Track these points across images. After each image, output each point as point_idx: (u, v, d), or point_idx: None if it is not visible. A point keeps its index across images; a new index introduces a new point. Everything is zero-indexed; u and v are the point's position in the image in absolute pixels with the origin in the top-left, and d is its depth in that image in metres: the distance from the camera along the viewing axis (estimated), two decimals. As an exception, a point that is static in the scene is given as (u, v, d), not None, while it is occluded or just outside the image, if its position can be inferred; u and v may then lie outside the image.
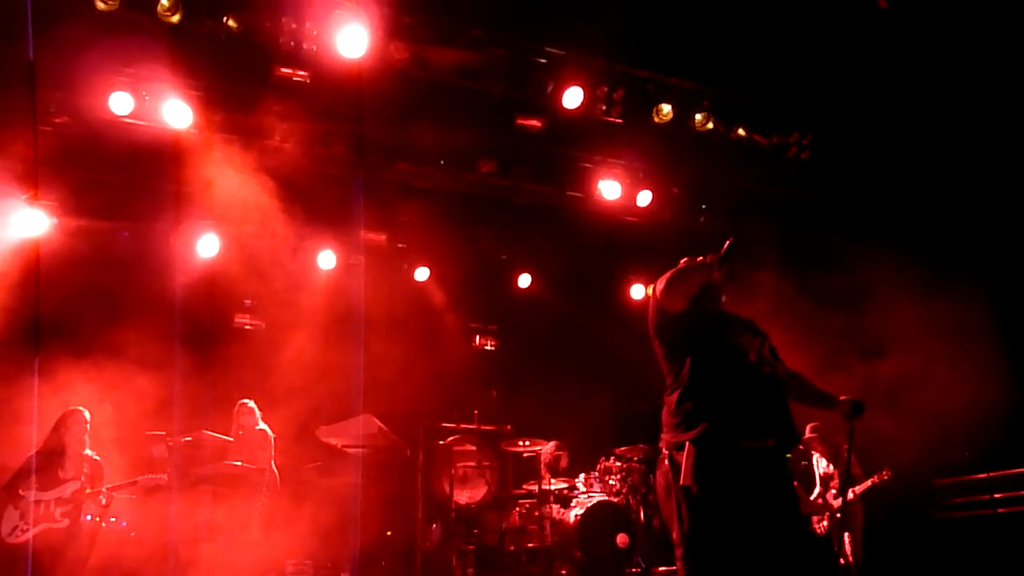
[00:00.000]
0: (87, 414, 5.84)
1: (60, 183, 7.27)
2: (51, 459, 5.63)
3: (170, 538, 6.25)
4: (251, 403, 7.14)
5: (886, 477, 6.92)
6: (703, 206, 8.65)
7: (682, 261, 3.88)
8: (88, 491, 5.60)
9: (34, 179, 6.62)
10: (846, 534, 7.13)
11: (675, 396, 3.58)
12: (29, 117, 6.19)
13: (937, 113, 7.07)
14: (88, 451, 5.80)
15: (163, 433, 6.70)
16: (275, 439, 7.16)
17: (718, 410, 3.46)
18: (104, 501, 5.67)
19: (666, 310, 3.63)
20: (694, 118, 7.23)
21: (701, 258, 3.62)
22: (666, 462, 3.55)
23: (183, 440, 6.79)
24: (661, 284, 3.66)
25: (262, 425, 7.12)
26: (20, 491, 5.41)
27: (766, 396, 3.54)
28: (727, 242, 3.50)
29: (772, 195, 8.20)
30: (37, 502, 5.43)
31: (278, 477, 7.07)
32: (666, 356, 3.69)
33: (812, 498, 7.46)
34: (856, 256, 7.88)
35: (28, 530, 5.33)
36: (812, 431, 7.47)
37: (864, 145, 7.77)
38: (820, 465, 7.55)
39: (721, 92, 7.25)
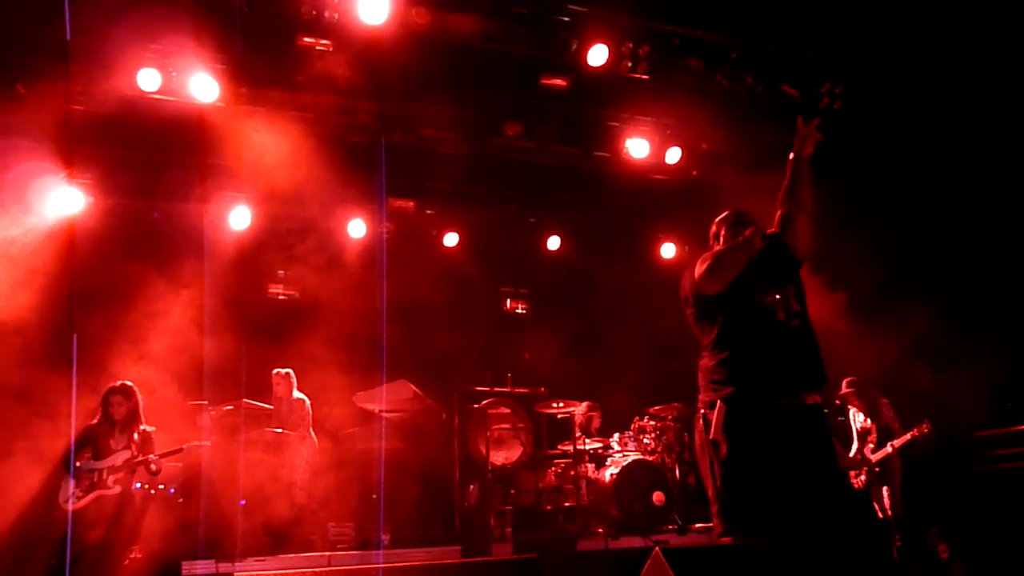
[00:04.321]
0: (134, 387, 5.99)
1: (92, 161, 7.39)
2: (103, 430, 5.85)
3: (214, 504, 6.44)
4: (287, 371, 7.28)
5: (926, 430, 6.82)
6: (734, 160, 8.50)
7: (712, 225, 3.83)
8: (138, 459, 5.78)
9: (68, 158, 6.72)
10: (885, 488, 7.10)
11: (708, 358, 3.61)
12: (63, 96, 6.26)
13: (974, 54, 6.84)
14: (143, 424, 5.97)
15: (205, 402, 6.87)
16: (312, 405, 7.31)
17: (749, 370, 3.47)
18: (155, 468, 5.86)
19: (703, 293, 3.59)
20: (723, 71, 7.09)
21: (746, 233, 3.54)
22: (700, 421, 3.58)
23: (225, 408, 6.97)
24: (701, 269, 3.59)
25: (298, 393, 7.27)
26: (76, 462, 5.62)
27: (796, 352, 3.53)
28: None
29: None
30: (91, 471, 5.67)
31: (317, 443, 7.22)
32: (698, 323, 3.70)
33: (851, 455, 7.41)
34: (893, 206, 7.71)
35: (83, 498, 5.55)
36: (848, 386, 7.41)
37: (900, 92, 7.55)
38: (857, 420, 7.49)
39: (749, 44, 7.08)
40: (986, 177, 7.45)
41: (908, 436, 6.92)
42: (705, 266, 3.58)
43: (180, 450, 6.10)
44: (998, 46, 6.56)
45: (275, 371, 7.29)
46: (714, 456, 3.44)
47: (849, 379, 7.38)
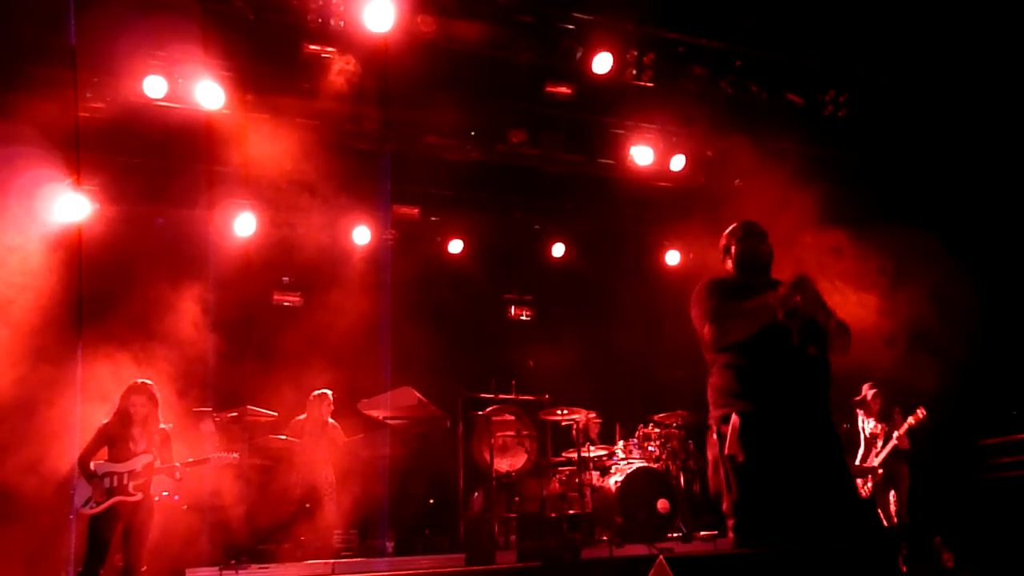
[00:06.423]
0: (154, 387, 5.81)
1: (99, 167, 7.42)
2: (120, 430, 5.63)
3: (218, 511, 6.44)
4: (329, 392, 7.30)
5: (922, 416, 6.79)
6: (738, 168, 8.51)
7: (722, 238, 3.75)
8: (157, 465, 5.66)
9: (76, 164, 6.75)
10: (891, 496, 7.06)
11: (720, 376, 3.55)
12: (70, 103, 6.29)
13: (975, 62, 6.84)
14: (162, 423, 5.85)
15: (209, 409, 6.86)
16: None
17: (764, 388, 3.43)
18: (179, 476, 5.74)
19: (712, 345, 3.50)
20: (727, 79, 7.11)
21: (768, 294, 3.38)
22: (714, 436, 3.53)
23: (229, 415, 6.96)
24: (713, 326, 3.46)
25: (331, 419, 7.32)
26: (92, 464, 5.52)
27: (809, 380, 3.48)
28: (794, 280, 3.32)
29: (809, 154, 8.03)
30: (111, 474, 5.48)
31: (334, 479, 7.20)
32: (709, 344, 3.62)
33: (857, 462, 7.37)
34: (896, 213, 7.70)
35: (103, 502, 5.43)
36: (869, 389, 7.34)
37: (903, 100, 7.56)
38: (867, 426, 7.44)
39: (754, 52, 7.10)
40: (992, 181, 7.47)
41: (906, 425, 6.88)
42: (718, 326, 3.44)
43: (207, 460, 5.92)
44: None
45: (319, 392, 7.34)
46: (729, 468, 3.40)
47: (869, 383, 7.32)
